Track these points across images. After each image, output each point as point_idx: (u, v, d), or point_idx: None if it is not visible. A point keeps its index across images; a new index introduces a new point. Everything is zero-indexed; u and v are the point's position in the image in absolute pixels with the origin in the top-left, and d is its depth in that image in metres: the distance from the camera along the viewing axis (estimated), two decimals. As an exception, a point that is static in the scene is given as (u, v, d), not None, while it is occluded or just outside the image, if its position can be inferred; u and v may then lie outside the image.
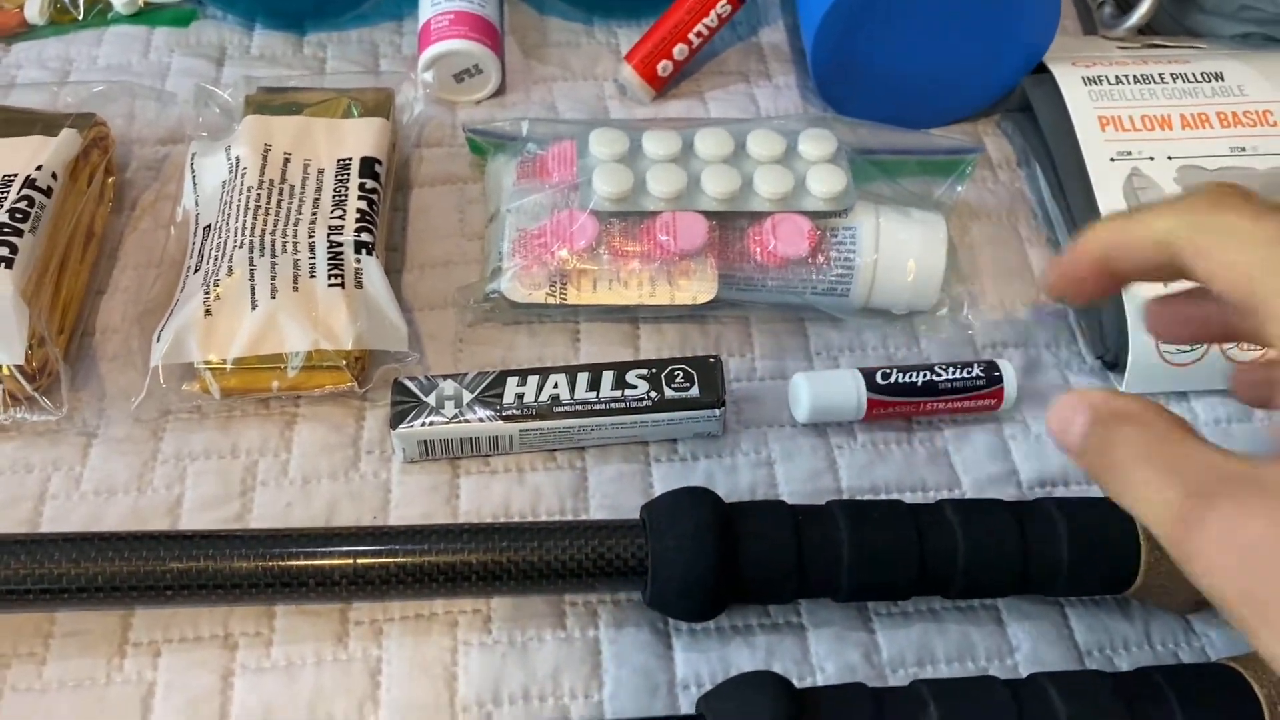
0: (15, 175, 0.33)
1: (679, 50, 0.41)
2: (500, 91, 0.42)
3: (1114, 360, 0.36)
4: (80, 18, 0.43)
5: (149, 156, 0.39)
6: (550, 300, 0.34)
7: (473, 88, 0.41)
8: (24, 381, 0.30)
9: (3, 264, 0.31)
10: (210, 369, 0.31)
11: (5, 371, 0.30)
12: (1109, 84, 0.39)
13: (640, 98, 0.42)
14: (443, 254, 0.37)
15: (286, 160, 0.34)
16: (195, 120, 0.38)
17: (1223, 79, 0.39)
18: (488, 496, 0.32)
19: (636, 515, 0.30)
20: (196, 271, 0.33)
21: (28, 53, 0.42)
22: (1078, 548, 0.29)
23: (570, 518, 0.32)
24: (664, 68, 0.41)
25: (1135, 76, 0.39)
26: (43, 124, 0.35)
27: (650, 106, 0.42)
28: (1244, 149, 0.38)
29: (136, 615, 0.29)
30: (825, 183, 0.35)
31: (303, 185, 0.34)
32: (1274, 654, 0.17)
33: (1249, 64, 0.40)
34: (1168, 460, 0.20)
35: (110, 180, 0.37)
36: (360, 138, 0.35)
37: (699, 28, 0.40)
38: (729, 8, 0.40)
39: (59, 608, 0.29)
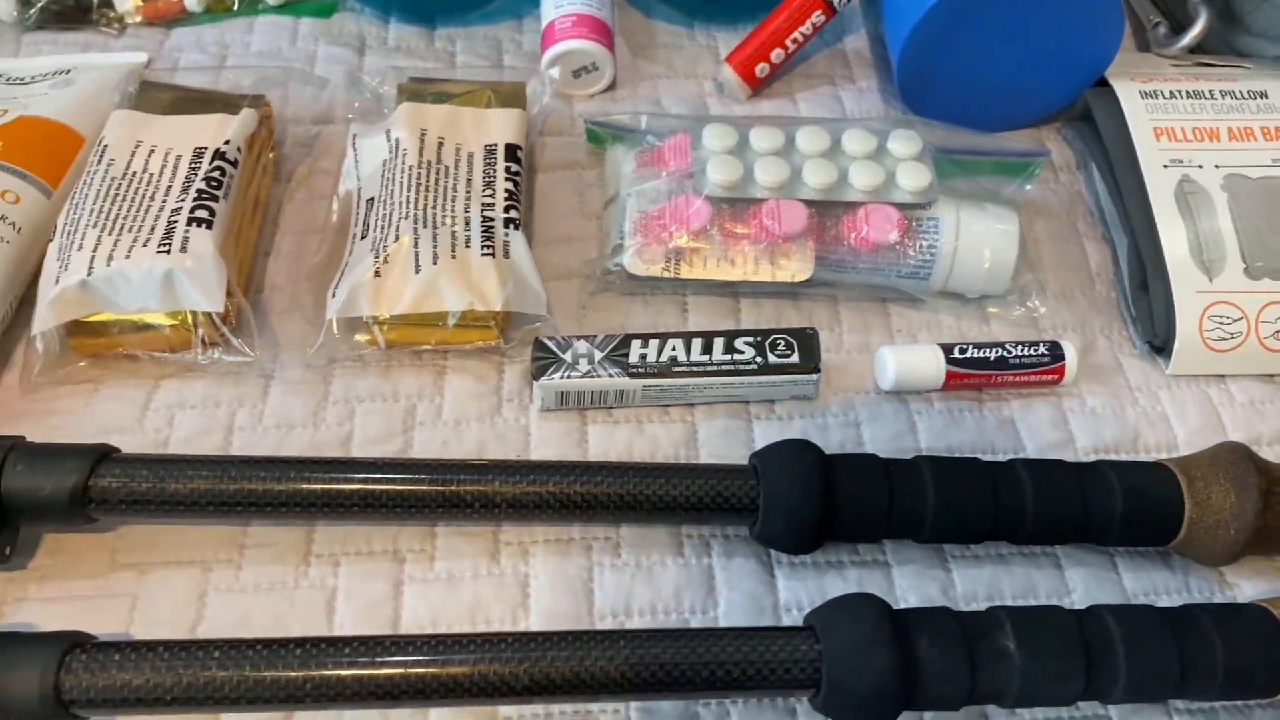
0: (205, 148, 0.38)
1: (776, 54, 0.45)
2: (611, 87, 0.46)
3: (1162, 344, 0.40)
4: (233, 6, 0.48)
5: (302, 135, 0.43)
6: (665, 274, 0.39)
7: (588, 83, 0.46)
8: (222, 327, 0.35)
9: (205, 225, 0.35)
10: (377, 323, 0.36)
11: (202, 318, 0.35)
12: (1164, 98, 0.44)
13: (737, 96, 0.46)
14: (564, 231, 0.42)
15: (440, 144, 0.39)
16: (351, 105, 0.43)
17: (1267, 97, 0.44)
18: (612, 443, 0.36)
19: (743, 462, 0.34)
20: (363, 238, 0.37)
21: (187, 37, 0.47)
22: (1129, 504, 0.34)
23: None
24: (761, 69, 0.45)
25: (1187, 92, 0.44)
26: (222, 104, 0.40)
27: (746, 105, 0.46)
28: (1284, 161, 0.42)
29: (318, 531, 0.34)
30: (912, 178, 0.39)
31: (455, 166, 0.38)
32: None
33: (1290, 83, 0.44)
34: None
35: (271, 155, 0.42)
36: (503, 126, 0.40)
37: (795, 34, 0.45)
38: (823, 17, 0.45)
39: (251, 521, 0.34)
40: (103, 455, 0.31)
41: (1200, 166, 0.42)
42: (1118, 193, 0.43)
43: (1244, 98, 0.44)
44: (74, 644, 0.28)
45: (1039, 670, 0.30)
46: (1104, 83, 0.44)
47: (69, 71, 0.43)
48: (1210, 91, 0.44)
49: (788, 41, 0.45)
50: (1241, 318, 0.39)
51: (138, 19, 0.47)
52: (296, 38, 0.47)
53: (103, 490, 0.31)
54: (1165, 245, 0.40)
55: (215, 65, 0.46)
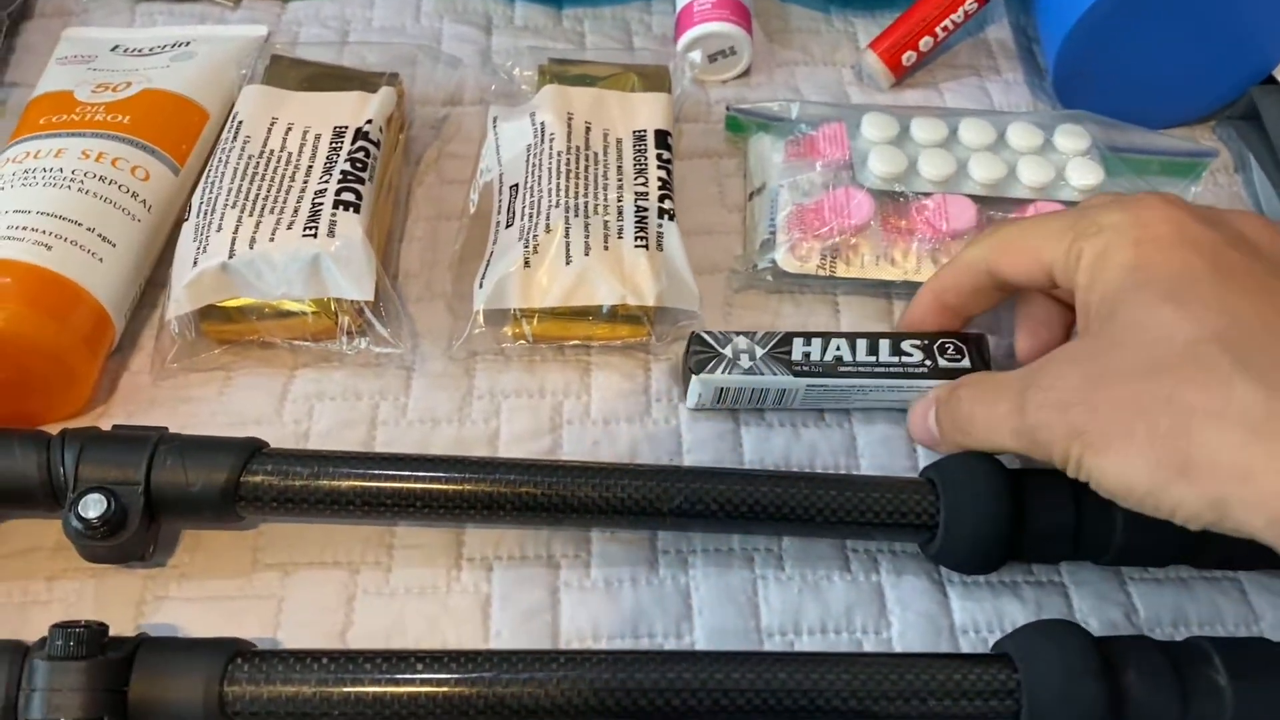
0: (346, 127, 0.36)
1: (924, 42, 0.43)
2: (746, 72, 0.44)
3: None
4: (354, -19, 0.46)
5: (430, 116, 0.42)
6: (820, 272, 0.37)
7: (724, 68, 0.44)
8: (371, 316, 0.33)
9: (352, 209, 0.34)
10: (526, 316, 0.34)
11: (348, 305, 0.33)
12: (1341, 96, 0.41)
13: (880, 85, 0.44)
14: (705, 223, 0.40)
15: (588, 129, 0.37)
16: (481, 86, 0.41)
17: None
18: (769, 448, 0.34)
19: (905, 474, 0.32)
20: (509, 227, 0.35)
21: (305, 11, 0.45)
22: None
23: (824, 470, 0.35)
24: (908, 57, 0.43)
25: (1367, 91, 0.41)
26: (359, 81, 0.38)
27: (889, 94, 0.44)
28: None
29: (468, 533, 0.32)
30: (1083, 175, 0.37)
31: (604, 153, 0.36)
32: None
33: None
34: (993, 389, 0.29)
35: (403, 136, 0.40)
36: (650, 111, 0.38)
37: (946, 21, 0.42)
38: (976, 4, 0.42)
39: (399, 521, 0.32)
40: (255, 450, 0.30)
41: (1383, 173, 0.39)
42: (1287, 196, 0.40)
43: None
44: (236, 653, 0.26)
45: (1255, 706, 0.28)
46: (1271, 80, 0.42)
47: (188, 44, 0.42)
48: (1389, 91, 0.41)
49: (938, 29, 0.43)
50: None
51: (256, -9, 0.45)
52: (420, 14, 0.45)
53: (254, 487, 0.29)
54: (1346, 253, 0.38)
55: (338, 40, 0.44)
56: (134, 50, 0.41)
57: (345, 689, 0.26)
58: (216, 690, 0.25)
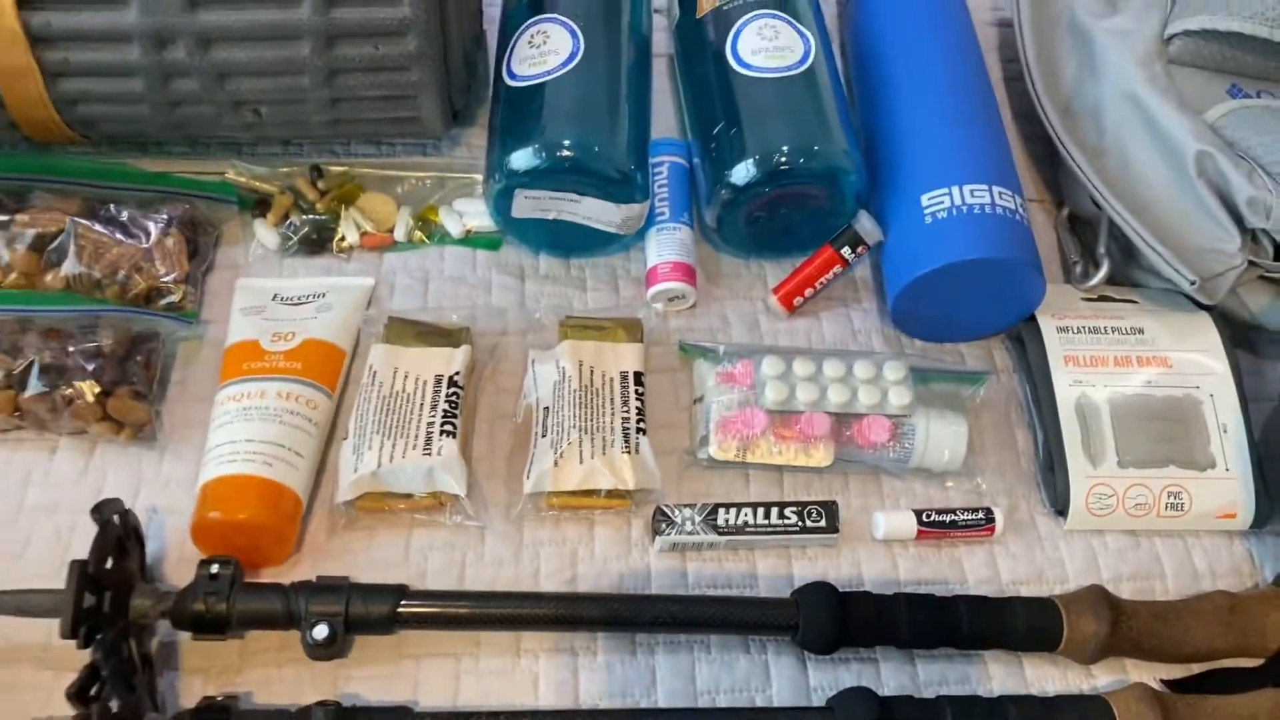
0: (443, 375, 0.56)
1: (808, 292, 0.64)
2: (693, 306, 0.65)
3: (1061, 509, 0.59)
4: (428, 239, 0.66)
5: (487, 344, 0.62)
6: (737, 459, 0.58)
7: (678, 304, 0.64)
8: (464, 501, 0.54)
9: (451, 435, 0.54)
10: (555, 494, 0.55)
11: (447, 495, 0.54)
12: (1073, 333, 0.62)
13: (780, 315, 0.65)
14: (665, 419, 0.60)
15: (592, 371, 0.57)
16: (519, 323, 0.61)
17: (1143, 333, 0.63)
18: (703, 574, 0.55)
19: (782, 594, 0.53)
20: (544, 437, 0.56)
21: (396, 262, 0.65)
22: (1030, 625, 0.52)
23: (744, 593, 0.55)
24: (797, 302, 0.64)
25: (1089, 328, 0.62)
26: (448, 338, 0.58)
27: (786, 321, 0.65)
28: (1150, 382, 0.61)
29: (524, 636, 0.53)
30: (898, 397, 0.58)
31: (603, 388, 0.57)
32: None
33: (1161, 321, 0.63)
34: None
35: (473, 369, 0.60)
36: (631, 357, 0.58)
37: (820, 280, 0.63)
38: (841, 269, 0.63)
39: (483, 629, 0.52)
40: (403, 592, 0.50)
41: (1094, 386, 0.61)
42: (1036, 400, 0.62)
43: (1126, 333, 0.62)
44: (407, 710, 0.47)
45: (967, 736, 0.49)
46: (1033, 318, 0.63)
47: (325, 294, 0.61)
48: (1104, 328, 0.63)
49: (818, 283, 0.63)
50: (1114, 494, 0.58)
51: (361, 246, 0.65)
52: (475, 265, 0.65)
53: (403, 615, 0.49)
54: (1065, 442, 0.59)
55: (420, 284, 0.64)
56: (289, 299, 0.61)
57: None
58: (399, 735, 0.46)
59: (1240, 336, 0.65)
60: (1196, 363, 0.62)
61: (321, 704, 0.46)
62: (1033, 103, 0.70)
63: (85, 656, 0.46)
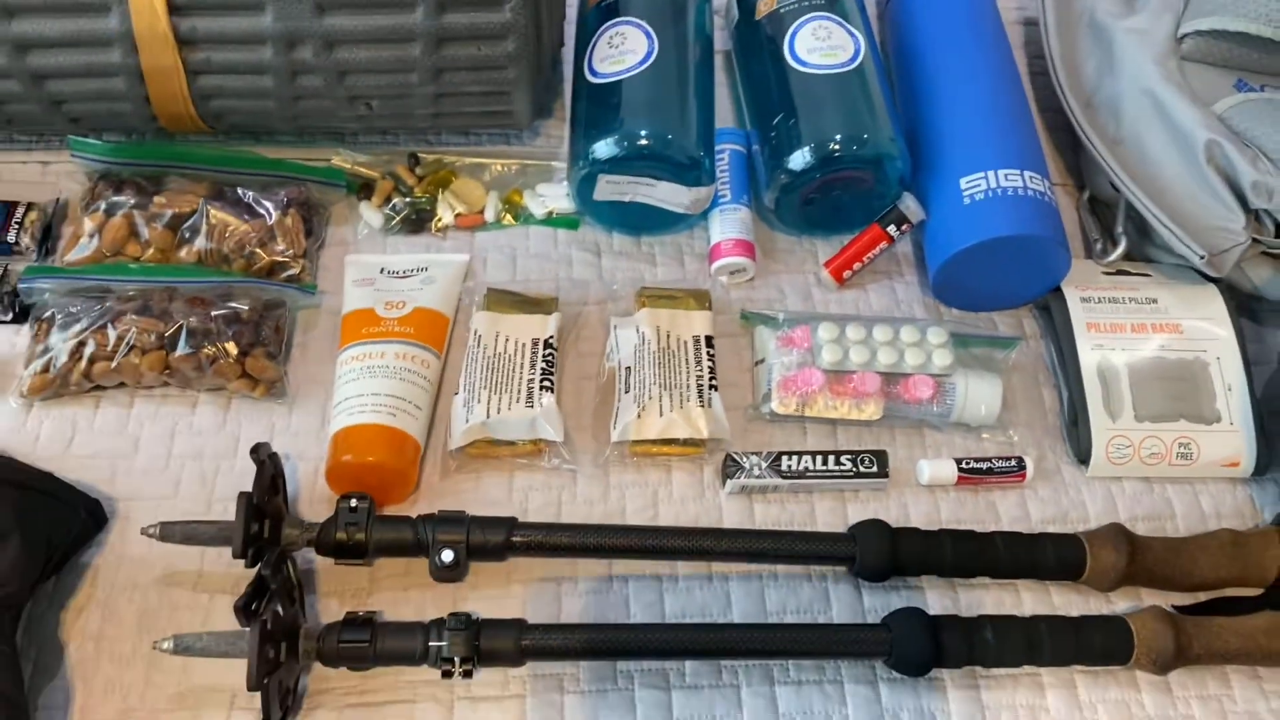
0: (539, 339, 0.64)
1: (856, 265, 0.71)
2: (752, 278, 0.72)
3: (1085, 458, 0.66)
4: (514, 220, 0.73)
5: (571, 312, 0.69)
6: (796, 413, 0.65)
7: (739, 277, 0.71)
8: (561, 447, 0.61)
9: (550, 390, 0.61)
10: (639, 443, 0.62)
11: (546, 443, 0.61)
12: (1094, 303, 0.69)
13: (830, 287, 0.72)
14: (729, 379, 0.67)
15: (668, 335, 0.65)
16: (599, 293, 0.68)
17: (1156, 302, 0.70)
18: (768, 515, 0.62)
19: (843, 530, 0.61)
20: (628, 393, 0.63)
21: (487, 240, 0.72)
22: (1057, 559, 0.59)
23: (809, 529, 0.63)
24: (846, 274, 0.71)
25: (1109, 299, 0.69)
26: (541, 306, 0.66)
27: (836, 293, 0.72)
28: (1163, 346, 0.68)
29: (615, 564, 0.60)
30: (942, 359, 0.65)
31: (678, 351, 0.64)
32: None
33: (1173, 293, 0.70)
34: None
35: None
36: (701, 323, 0.66)
37: (868, 255, 0.70)
38: (886, 244, 0.70)
39: (581, 557, 0.60)
40: (514, 523, 0.57)
41: (1113, 350, 0.68)
42: (1062, 362, 0.69)
43: (1142, 303, 0.69)
44: (522, 625, 0.54)
45: (1002, 646, 0.56)
46: (1058, 289, 0.70)
47: (427, 269, 0.69)
48: (1122, 298, 0.69)
49: (866, 258, 0.70)
50: (1130, 445, 0.65)
51: (455, 226, 0.72)
52: (557, 243, 0.72)
53: (515, 543, 0.57)
54: (1088, 399, 0.66)
55: (509, 261, 0.71)
56: (395, 273, 0.68)
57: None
58: (518, 637, 0.53)
59: (1244, 306, 0.72)
60: (1204, 329, 0.68)
61: (454, 614, 0.53)
62: (1057, 96, 0.76)
63: (230, 582, 0.53)
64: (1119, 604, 0.61)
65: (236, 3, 0.61)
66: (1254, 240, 0.68)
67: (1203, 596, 0.62)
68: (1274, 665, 0.59)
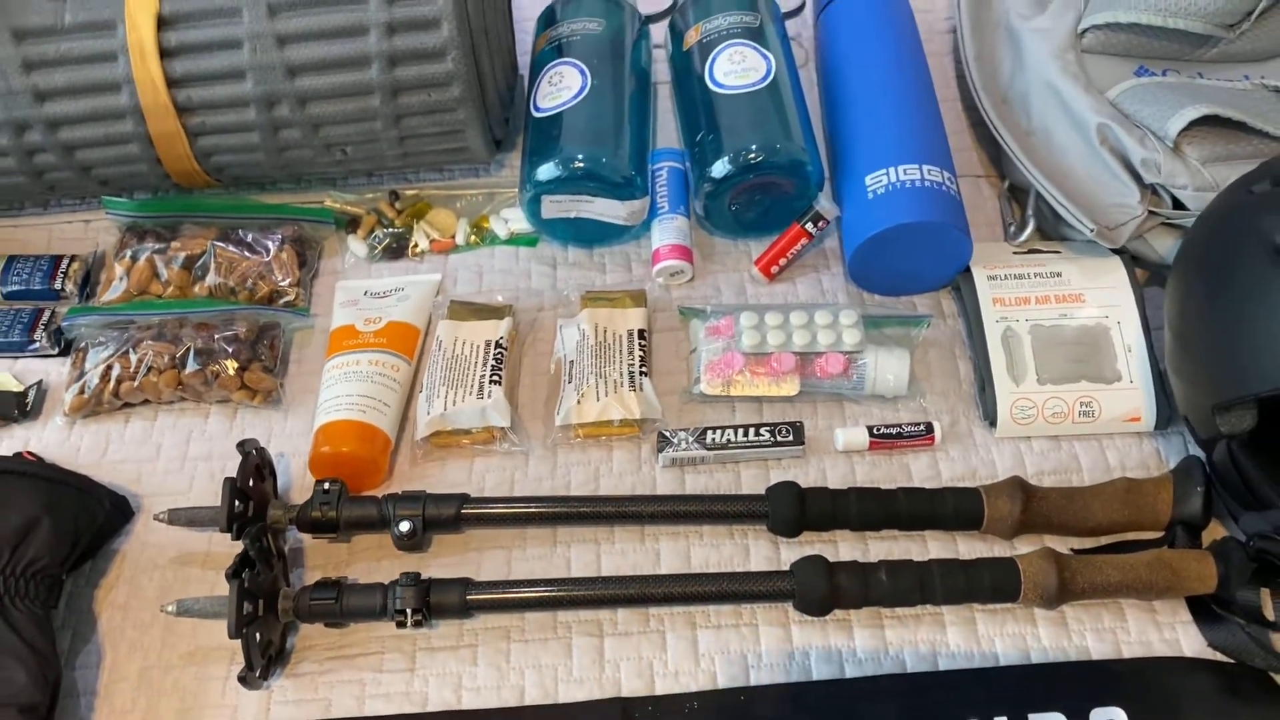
0: (491, 340, 0.72)
1: (782, 261, 0.77)
2: (691, 279, 0.79)
3: (992, 420, 0.71)
4: (481, 241, 0.82)
5: (527, 317, 0.77)
6: (721, 393, 0.71)
7: (679, 279, 0.78)
8: (510, 432, 0.69)
9: (498, 383, 0.69)
10: (580, 426, 0.69)
11: (498, 430, 0.69)
12: (1001, 279, 0.74)
13: (762, 282, 0.78)
14: (670, 368, 0.74)
15: (605, 330, 0.72)
16: (553, 302, 0.76)
17: (1061, 275, 0.74)
18: (698, 482, 0.69)
19: (761, 493, 0.67)
20: (570, 383, 0.70)
21: (458, 261, 0.81)
22: (957, 509, 0.64)
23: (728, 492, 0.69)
24: (774, 269, 0.77)
25: (1015, 275, 0.74)
26: (494, 313, 0.74)
27: (767, 286, 0.78)
28: (1065, 314, 0.73)
29: (559, 531, 0.67)
30: (851, 338, 0.71)
31: (613, 344, 0.72)
32: None
33: (1078, 266, 0.74)
34: None
35: (516, 336, 0.75)
36: (635, 319, 0.73)
37: (791, 251, 0.77)
38: (806, 241, 0.77)
39: (528, 526, 0.67)
40: (464, 499, 0.65)
41: (1017, 320, 0.72)
42: (970, 336, 0.74)
43: (1047, 277, 0.74)
44: (468, 582, 0.62)
45: (896, 586, 0.61)
46: (967, 269, 0.75)
47: (403, 289, 0.78)
48: (1029, 274, 0.74)
49: (789, 254, 0.77)
50: (1034, 406, 0.70)
51: (431, 250, 0.81)
52: (519, 259, 0.80)
53: (466, 515, 0.65)
54: (993, 366, 0.71)
55: (477, 277, 0.80)
56: (376, 294, 0.77)
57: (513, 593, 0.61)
58: (463, 592, 0.61)
59: (1155, 276, 0.76)
60: (1106, 297, 0.73)
61: (404, 574, 0.61)
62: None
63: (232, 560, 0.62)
64: (1021, 549, 0.66)
65: (222, 73, 0.71)
66: (1152, 213, 0.72)
67: (1105, 541, 0.66)
68: (1157, 597, 0.62)
